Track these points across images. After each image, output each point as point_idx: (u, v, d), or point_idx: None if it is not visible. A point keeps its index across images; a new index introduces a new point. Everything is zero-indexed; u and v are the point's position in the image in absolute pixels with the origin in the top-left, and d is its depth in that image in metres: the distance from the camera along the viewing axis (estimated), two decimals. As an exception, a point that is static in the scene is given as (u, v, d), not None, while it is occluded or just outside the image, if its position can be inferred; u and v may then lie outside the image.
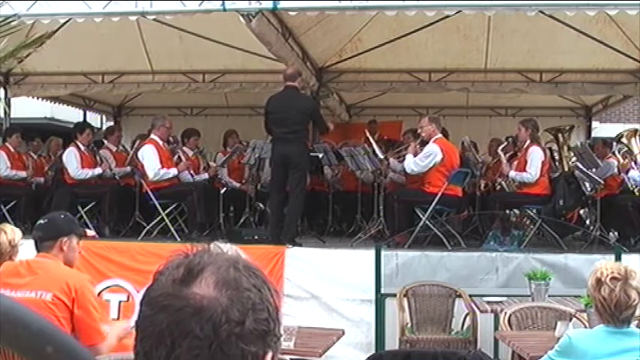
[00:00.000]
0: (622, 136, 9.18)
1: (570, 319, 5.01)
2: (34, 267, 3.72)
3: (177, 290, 1.04)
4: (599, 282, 3.27)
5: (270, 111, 7.90)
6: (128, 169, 9.40)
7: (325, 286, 7.06)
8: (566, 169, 9.32)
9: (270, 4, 6.99)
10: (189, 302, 1.02)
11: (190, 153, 9.66)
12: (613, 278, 3.24)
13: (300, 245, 7.51)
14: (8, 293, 3.57)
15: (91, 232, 4.15)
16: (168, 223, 8.25)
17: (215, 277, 1.05)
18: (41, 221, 3.93)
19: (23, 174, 9.38)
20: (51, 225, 3.88)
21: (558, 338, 3.62)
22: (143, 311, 1.07)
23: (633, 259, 6.21)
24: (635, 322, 3.51)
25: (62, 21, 7.56)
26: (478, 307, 6.23)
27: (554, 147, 9.83)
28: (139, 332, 1.06)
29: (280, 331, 1.10)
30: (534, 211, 8.39)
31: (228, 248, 2.51)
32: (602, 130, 14.96)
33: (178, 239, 8.08)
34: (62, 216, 4.05)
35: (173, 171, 8.53)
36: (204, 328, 1.01)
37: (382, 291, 6.94)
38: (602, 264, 3.37)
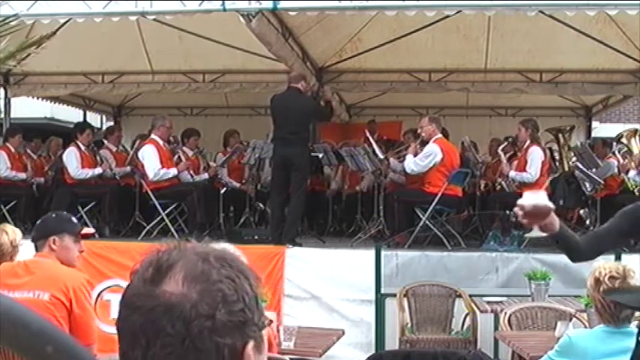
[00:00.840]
0: (622, 136, 9.17)
1: (570, 319, 5.02)
2: (31, 267, 3.72)
3: (149, 290, 1.04)
4: (597, 282, 3.27)
5: (272, 110, 7.96)
6: (128, 169, 9.40)
7: (325, 286, 7.06)
8: (567, 169, 9.32)
9: (270, 4, 6.99)
10: (160, 301, 1.03)
11: (190, 153, 9.65)
12: (611, 277, 3.25)
13: (300, 245, 7.52)
14: (6, 294, 3.57)
15: (90, 230, 4.12)
16: (169, 223, 8.25)
17: (184, 272, 1.04)
18: (37, 222, 3.97)
19: (23, 175, 9.38)
20: (42, 224, 3.90)
21: (558, 338, 3.63)
22: (120, 312, 1.07)
23: (633, 259, 6.20)
24: (636, 322, 3.51)
25: (62, 21, 7.56)
26: (478, 307, 6.23)
27: (555, 147, 9.83)
28: (119, 333, 1.07)
29: (263, 321, 1.08)
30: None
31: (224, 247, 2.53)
32: (602, 130, 14.95)
33: (178, 239, 8.07)
34: (54, 215, 4.06)
35: (173, 171, 8.53)
36: (176, 326, 1.01)
37: (382, 291, 6.94)
38: (601, 264, 3.37)
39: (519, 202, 2.73)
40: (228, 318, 1.03)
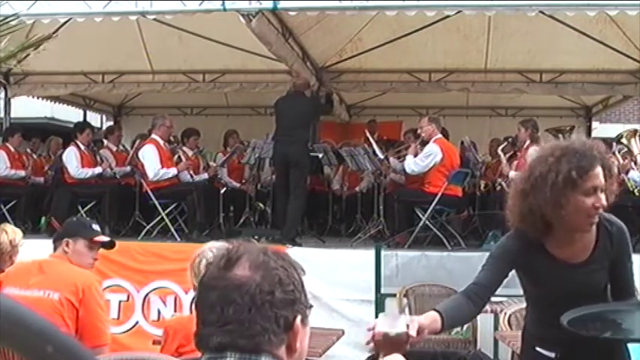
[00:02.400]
0: (622, 137, 9.17)
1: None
2: (44, 267, 3.74)
3: (222, 274, 1.39)
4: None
5: (275, 111, 8.03)
6: (128, 168, 9.41)
7: (325, 286, 7.06)
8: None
9: (270, 4, 6.99)
10: (231, 281, 1.37)
11: (190, 153, 9.65)
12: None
13: (300, 245, 7.52)
14: (17, 291, 3.60)
15: (104, 238, 4.11)
16: (168, 223, 8.25)
17: (249, 262, 1.39)
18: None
19: (22, 173, 9.38)
20: (63, 226, 3.96)
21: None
22: (199, 292, 1.43)
23: (633, 260, 6.19)
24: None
25: (62, 21, 7.56)
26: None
27: (555, 147, 9.82)
28: (197, 308, 1.41)
29: (308, 302, 1.45)
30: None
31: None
32: (602, 130, 14.95)
33: (178, 239, 8.08)
34: (75, 219, 4.11)
35: (173, 171, 8.53)
36: (244, 298, 1.36)
37: (382, 291, 6.94)
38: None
39: (368, 326, 2.35)
40: (283, 296, 1.38)
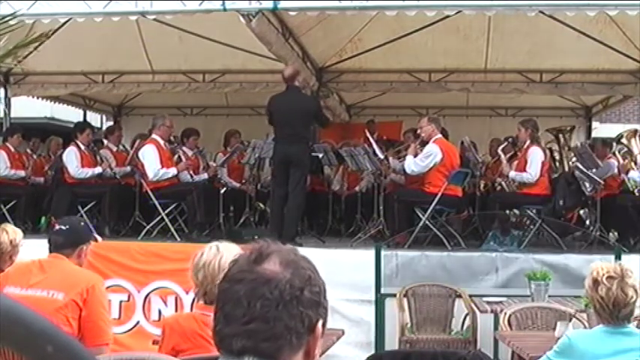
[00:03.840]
0: (622, 137, 9.18)
1: (570, 320, 5.01)
2: (46, 266, 3.74)
3: (252, 267, 1.36)
4: (595, 282, 3.28)
5: (272, 111, 7.93)
6: (128, 168, 9.40)
7: (325, 286, 7.06)
8: (567, 169, 9.32)
9: (270, 4, 6.99)
10: (261, 275, 1.35)
11: (190, 153, 9.65)
12: (609, 277, 3.25)
13: (300, 245, 7.50)
14: (18, 291, 3.60)
15: (99, 239, 4.16)
16: (168, 223, 8.25)
17: (279, 258, 1.37)
18: (62, 227, 3.91)
19: (22, 173, 9.38)
20: (73, 233, 3.88)
21: (558, 338, 3.62)
22: (223, 286, 1.39)
23: (633, 260, 6.21)
24: (635, 323, 3.51)
25: (62, 20, 7.56)
26: (478, 307, 6.23)
27: (555, 147, 9.83)
28: (220, 301, 1.38)
29: (328, 307, 1.42)
30: (534, 211, 8.39)
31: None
32: (602, 130, 14.95)
33: (178, 239, 8.08)
34: (82, 223, 4.08)
35: (173, 171, 8.52)
36: (273, 293, 1.33)
37: (382, 291, 6.94)
38: (598, 264, 3.38)
39: None
40: (310, 296, 1.36)
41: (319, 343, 1.39)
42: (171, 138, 9.09)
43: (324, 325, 1.40)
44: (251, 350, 1.32)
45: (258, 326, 1.32)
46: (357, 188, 10.17)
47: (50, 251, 3.85)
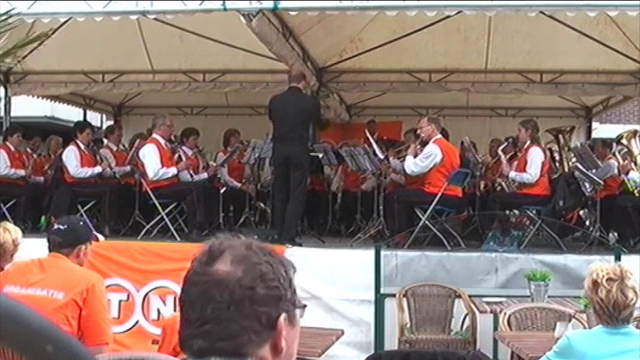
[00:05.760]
0: (622, 137, 9.17)
1: (570, 320, 5.01)
2: (46, 266, 3.74)
3: (204, 269, 1.34)
4: (595, 284, 3.27)
5: (272, 110, 7.96)
6: (128, 168, 9.40)
7: (325, 286, 7.06)
8: (567, 170, 9.32)
9: (270, 4, 6.99)
10: (212, 277, 1.32)
11: (190, 152, 9.65)
12: (609, 279, 3.24)
13: (300, 245, 7.52)
14: (18, 290, 3.60)
15: (101, 238, 4.16)
16: (168, 223, 8.25)
17: (231, 256, 1.34)
18: (60, 226, 3.90)
19: (22, 172, 9.38)
20: (71, 232, 3.87)
21: (557, 339, 3.62)
22: (182, 287, 1.37)
23: (633, 260, 6.21)
24: (635, 323, 3.51)
25: (63, 20, 7.56)
26: (478, 308, 6.23)
27: (555, 148, 9.83)
28: (180, 304, 1.37)
29: (298, 300, 1.38)
30: (534, 211, 8.39)
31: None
32: (603, 130, 14.95)
33: (178, 239, 8.08)
34: (81, 223, 4.07)
35: (173, 170, 8.52)
36: (223, 294, 1.30)
37: (382, 291, 6.94)
38: (598, 265, 3.37)
39: None
40: (266, 292, 1.32)
41: (290, 335, 1.35)
42: (172, 137, 9.09)
43: (291, 318, 1.35)
44: (210, 351, 1.30)
45: (212, 327, 1.30)
46: (363, 187, 10.14)
47: (50, 250, 3.85)
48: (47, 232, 4.02)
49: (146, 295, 7.08)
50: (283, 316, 1.33)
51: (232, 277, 1.31)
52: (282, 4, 7.02)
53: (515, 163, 8.68)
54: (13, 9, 5.54)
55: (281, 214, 7.85)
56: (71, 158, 8.86)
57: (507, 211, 8.74)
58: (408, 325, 6.69)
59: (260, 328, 1.31)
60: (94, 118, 15.11)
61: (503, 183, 9.10)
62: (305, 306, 1.42)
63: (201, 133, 10.26)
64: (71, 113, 14.28)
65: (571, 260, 7.01)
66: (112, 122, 13.46)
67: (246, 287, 1.30)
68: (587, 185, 8.31)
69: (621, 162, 8.69)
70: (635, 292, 3.25)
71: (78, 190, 8.80)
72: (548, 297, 5.95)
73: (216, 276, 1.31)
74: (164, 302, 7.05)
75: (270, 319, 1.32)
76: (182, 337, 1.35)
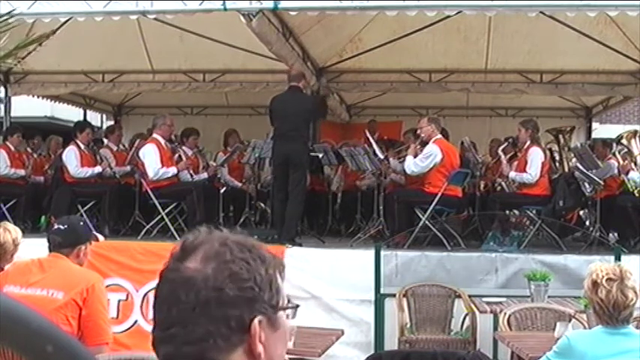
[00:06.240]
0: (622, 138, 9.17)
1: (570, 320, 5.01)
2: (45, 265, 3.74)
3: (176, 265, 1.25)
4: (595, 284, 3.27)
5: (273, 110, 7.97)
6: (128, 168, 9.40)
7: (325, 286, 7.06)
8: (567, 170, 9.32)
9: (270, 4, 6.99)
10: (180, 274, 1.23)
11: (190, 152, 9.65)
12: (609, 279, 3.24)
13: (299, 245, 7.52)
14: (18, 290, 3.60)
15: (101, 238, 4.17)
16: (168, 223, 8.25)
17: (203, 252, 1.24)
18: (60, 226, 3.89)
19: (22, 172, 9.38)
20: (71, 232, 3.87)
21: (557, 339, 3.62)
22: (157, 284, 1.28)
23: (633, 260, 6.20)
24: (635, 323, 3.51)
25: (63, 20, 7.56)
26: (478, 308, 6.23)
27: (555, 148, 9.83)
28: (154, 301, 1.28)
29: (283, 302, 1.27)
30: (534, 211, 8.39)
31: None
32: (603, 131, 14.95)
33: (178, 239, 8.05)
34: (81, 223, 4.07)
35: (173, 170, 8.52)
36: (189, 295, 1.20)
37: (382, 291, 6.94)
38: (597, 266, 3.37)
39: None
40: (236, 293, 1.21)
41: (268, 340, 1.23)
42: (172, 137, 9.09)
43: (271, 322, 1.24)
44: (176, 356, 1.21)
45: (177, 331, 1.20)
46: (357, 182, 10.15)
47: (50, 250, 3.85)
48: (47, 232, 4.02)
49: (145, 294, 7.08)
50: (259, 318, 1.21)
51: (200, 276, 1.21)
52: (282, 4, 7.02)
53: (516, 163, 8.69)
54: (14, 9, 5.54)
55: (280, 214, 7.85)
56: (71, 158, 8.86)
57: (507, 211, 8.74)
58: (408, 325, 6.69)
59: (228, 332, 1.20)
60: (94, 118, 15.11)
61: (503, 183, 9.10)
62: (297, 306, 1.32)
63: (201, 133, 10.26)
64: (71, 113, 14.28)
65: (571, 260, 7.01)
66: (112, 122, 13.47)
67: (213, 288, 1.20)
68: (587, 185, 8.31)
69: (621, 162, 8.69)
70: (635, 293, 3.25)
71: (78, 190, 8.80)
72: (548, 297, 5.95)
73: (185, 274, 1.22)
74: (164, 302, 7.04)
75: (241, 322, 1.20)
76: (152, 341, 1.25)
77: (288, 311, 1.30)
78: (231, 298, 1.20)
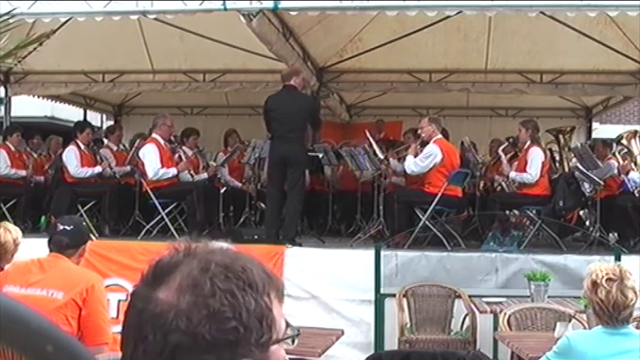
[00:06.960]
0: (622, 138, 9.18)
1: (570, 320, 5.02)
2: (45, 266, 3.75)
3: (146, 291, 1.03)
4: (595, 284, 3.27)
5: (268, 110, 7.92)
6: (128, 168, 9.41)
7: (325, 286, 7.06)
8: (567, 170, 9.32)
9: (270, 4, 6.99)
10: (150, 307, 1.01)
11: (190, 152, 9.65)
12: (609, 279, 3.24)
13: (299, 245, 7.51)
14: (18, 290, 3.60)
15: (93, 237, 4.23)
16: (168, 223, 8.25)
17: (179, 280, 1.01)
18: (66, 227, 3.88)
19: (23, 173, 9.39)
20: (77, 233, 3.90)
21: (557, 339, 3.62)
22: (127, 305, 1.07)
23: (633, 261, 6.20)
24: (634, 324, 3.51)
25: (63, 20, 7.56)
26: (478, 308, 6.23)
27: (555, 148, 9.83)
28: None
29: (272, 336, 1.04)
30: (534, 211, 8.39)
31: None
32: (603, 131, 14.95)
33: (178, 239, 8.06)
34: (83, 223, 4.11)
35: (173, 170, 8.53)
36: (157, 335, 0.99)
37: (382, 291, 6.94)
38: (597, 266, 3.37)
39: None
40: (215, 335, 0.98)
41: None
42: (172, 137, 9.09)
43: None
44: None
45: None
46: (357, 174, 10.10)
47: (51, 251, 3.85)
48: (50, 233, 4.02)
49: (145, 294, 7.08)
50: None
51: (171, 313, 0.99)
52: (282, 4, 7.03)
53: (516, 163, 8.69)
54: (14, 9, 5.54)
55: (274, 213, 7.80)
56: (71, 158, 8.86)
57: (507, 211, 8.75)
58: (408, 325, 6.70)
59: None
60: (94, 118, 15.11)
61: (503, 183, 9.10)
62: (297, 334, 1.11)
63: (201, 133, 10.27)
64: (71, 113, 14.28)
65: (571, 260, 7.01)
66: (112, 122, 13.46)
67: (186, 331, 0.98)
68: (587, 185, 8.31)
69: (621, 162, 8.69)
70: (635, 293, 3.25)
71: (78, 190, 8.80)
72: (548, 297, 5.95)
73: (154, 308, 1.00)
74: (164, 302, 7.04)
75: None
76: None
77: (287, 341, 1.09)
78: (208, 342, 0.98)
